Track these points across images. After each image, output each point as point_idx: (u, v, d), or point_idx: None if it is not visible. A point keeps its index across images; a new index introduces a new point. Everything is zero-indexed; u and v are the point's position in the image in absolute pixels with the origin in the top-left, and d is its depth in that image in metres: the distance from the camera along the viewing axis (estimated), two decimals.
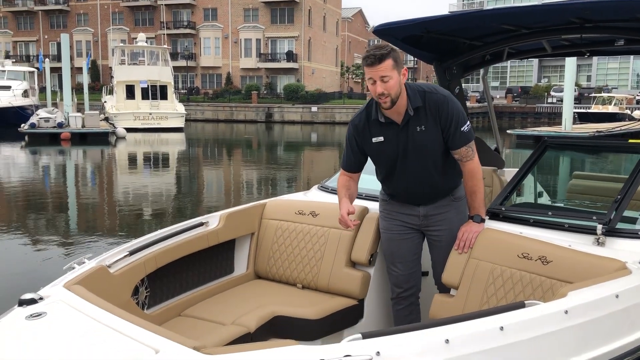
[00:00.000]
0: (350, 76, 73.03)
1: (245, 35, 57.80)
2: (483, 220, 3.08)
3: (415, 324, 1.91)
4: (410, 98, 3.00)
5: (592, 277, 2.50)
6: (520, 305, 2.13)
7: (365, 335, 1.80)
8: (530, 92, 55.27)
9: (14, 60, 51.95)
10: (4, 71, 39.36)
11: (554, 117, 43.05)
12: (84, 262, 2.71)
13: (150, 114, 35.53)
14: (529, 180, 5.26)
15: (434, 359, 1.76)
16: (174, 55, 56.40)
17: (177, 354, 1.75)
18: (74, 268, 2.66)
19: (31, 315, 2.14)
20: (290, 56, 56.38)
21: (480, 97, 52.75)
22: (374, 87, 2.92)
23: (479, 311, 2.08)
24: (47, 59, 44.80)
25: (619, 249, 2.79)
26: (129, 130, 31.36)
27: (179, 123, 35.80)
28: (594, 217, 2.94)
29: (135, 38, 42.69)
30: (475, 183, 3.11)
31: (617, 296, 2.27)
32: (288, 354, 1.72)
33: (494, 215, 3.24)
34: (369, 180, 3.96)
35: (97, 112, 31.19)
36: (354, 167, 3.25)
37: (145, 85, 36.88)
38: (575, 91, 37.15)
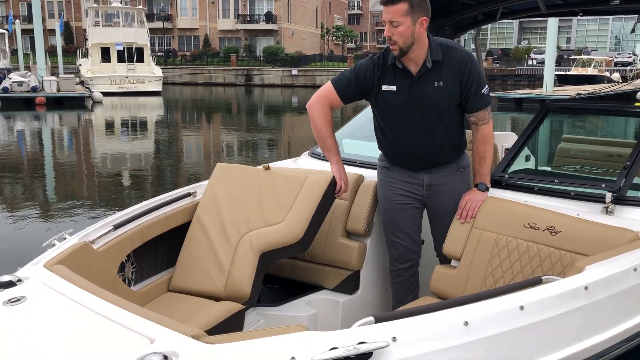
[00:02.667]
0: (330, 38, 72.00)
1: None
2: (487, 189, 2.96)
3: (430, 304, 1.80)
4: (431, 50, 2.83)
5: (604, 248, 2.42)
6: (538, 281, 2.03)
7: (378, 319, 1.69)
8: (510, 54, 55.13)
9: None
10: None
11: (534, 79, 43.10)
12: (65, 238, 2.53)
13: (127, 77, 34.74)
14: (534, 145, 5.16)
15: (454, 343, 1.66)
16: (150, 17, 54.87)
17: (175, 344, 1.60)
18: (54, 245, 2.48)
19: (9, 300, 1.97)
20: (270, 17, 55.25)
21: None
22: (385, 28, 2.77)
23: (495, 289, 1.98)
24: (17, 20, 43.26)
25: (629, 217, 2.71)
26: (105, 94, 30.65)
27: (156, 87, 35.10)
28: (603, 185, 2.85)
29: None
30: (487, 148, 2.99)
31: (635, 269, 2.19)
32: (296, 341, 1.60)
33: (496, 183, 3.13)
34: (365, 146, 3.82)
35: (72, 75, 30.34)
36: (346, 92, 2.96)
37: (120, 48, 35.95)
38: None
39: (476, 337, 1.71)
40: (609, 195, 2.76)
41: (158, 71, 36.71)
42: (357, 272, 3.30)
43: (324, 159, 3.88)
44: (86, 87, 30.36)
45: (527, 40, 66.56)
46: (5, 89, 26.48)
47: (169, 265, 3.02)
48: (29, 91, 26.48)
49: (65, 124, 22.25)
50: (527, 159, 5.26)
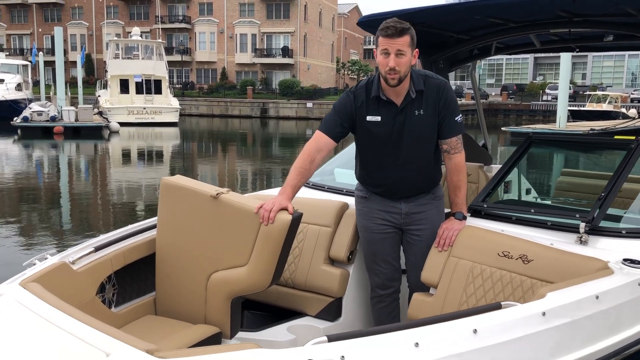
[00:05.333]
0: (346, 72, 72.85)
1: (241, 30, 57.54)
2: (465, 218, 3.02)
3: (384, 326, 1.84)
4: (413, 81, 2.95)
5: (573, 277, 2.45)
6: (497, 306, 2.07)
7: (332, 338, 1.73)
8: (525, 89, 55.27)
9: (8, 53, 51.63)
10: None
11: (549, 114, 43.04)
12: (46, 258, 2.61)
13: (144, 108, 35.36)
14: (517, 177, 5.20)
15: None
16: (169, 50, 56.16)
17: (129, 358, 1.66)
18: (34, 264, 2.56)
19: None
20: (286, 51, 56.18)
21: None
22: (386, 59, 2.82)
23: (452, 312, 2.01)
24: (40, 53, 44.44)
25: (602, 248, 2.73)
26: (123, 124, 31.20)
27: (173, 118, 35.64)
28: (577, 215, 2.89)
29: (130, 32, 42.42)
30: (461, 178, 3.05)
31: (597, 297, 2.22)
32: (247, 358, 1.64)
33: (476, 213, 3.18)
34: (350, 175, 3.88)
35: (91, 105, 30.97)
36: (337, 130, 2.98)
37: (139, 80, 36.69)
38: (570, 89, 37.10)
39: (426, 358, 1.74)
40: (582, 226, 2.80)
41: (175, 103, 37.33)
42: (340, 299, 3.33)
43: (313, 187, 3.96)
44: (104, 118, 30.95)
45: (542, 76, 66.75)
46: (25, 118, 27.10)
47: (150, 290, 3.07)
48: (48, 120, 27.05)
49: (81, 152, 22.64)
50: (528, 192, 5.28)
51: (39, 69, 43.24)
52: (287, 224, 2.66)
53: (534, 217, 3.03)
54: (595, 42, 4.64)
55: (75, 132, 26.66)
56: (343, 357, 1.64)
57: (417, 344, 1.74)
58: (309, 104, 46.30)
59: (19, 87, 37.80)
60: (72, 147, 23.67)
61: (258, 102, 47.62)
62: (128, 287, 3.00)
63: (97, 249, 2.76)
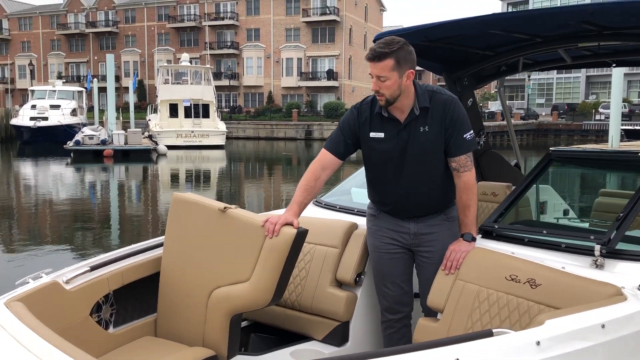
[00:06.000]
0: None
1: (287, 54, 58.40)
2: (474, 239, 2.87)
3: (362, 352, 1.72)
4: (418, 97, 2.85)
5: (582, 302, 2.27)
6: (488, 333, 1.92)
7: None
8: (577, 109, 53.71)
9: (65, 80, 53.93)
10: (54, 91, 40.89)
11: (602, 134, 41.60)
12: (41, 277, 2.61)
13: (192, 131, 36.14)
14: (553, 197, 4.95)
15: None
16: (218, 75, 57.48)
17: None
18: (28, 283, 2.55)
19: None
20: (331, 74, 56.57)
21: (524, 114, 51.62)
22: (372, 82, 2.80)
23: (438, 340, 1.88)
24: (95, 79, 46.27)
25: (619, 272, 2.54)
26: (171, 147, 31.96)
27: (220, 141, 36.27)
28: (592, 237, 2.70)
29: (180, 58, 43.70)
30: (470, 197, 2.91)
31: (603, 326, 2.03)
32: None
33: (487, 234, 3.02)
34: (363, 194, 3.79)
35: (140, 129, 31.87)
36: (340, 149, 2.95)
37: (188, 104, 37.59)
38: (624, 107, 35.74)
39: None
40: (597, 248, 2.61)
41: (222, 126, 38.03)
42: (347, 323, 3.22)
43: (326, 207, 3.87)
44: (153, 141, 31.79)
45: (595, 95, 64.76)
46: (77, 142, 28.12)
47: (151, 310, 3.03)
48: (98, 144, 27.98)
49: (129, 175, 23.26)
50: (566, 213, 5.04)
51: (92, 95, 44.93)
52: (292, 237, 2.62)
53: (547, 239, 2.85)
54: (633, 56, 4.41)
55: (124, 155, 27.46)
56: None
57: None
58: None
59: (74, 112, 39.38)
60: (121, 170, 24.35)
61: (303, 124, 47.96)
62: (130, 307, 2.96)
63: (93, 268, 2.75)
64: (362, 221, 3.39)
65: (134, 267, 2.91)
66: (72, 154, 27.91)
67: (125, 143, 28.18)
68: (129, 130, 29.85)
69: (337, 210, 3.82)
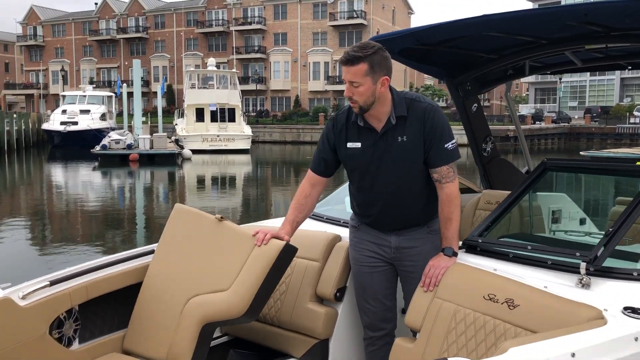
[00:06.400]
0: None
1: (314, 58, 58.41)
2: (455, 254, 2.67)
3: None
4: (395, 105, 2.69)
5: (559, 326, 2.07)
6: None
7: None
8: (610, 112, 52.34)
9: (95, 85, 54.89)
10: (84, 96, 41.69)
11: (637, 137, 40.54)
12: None
13: (218, 135, 36.31)
14: (569, 205, 4.68)
15: None
16: (245, 79, 57.79)
17: None
18: None
19: None
20: None
21: (556, 117, 50.56)
22: (345, 87, 2.67)
23: None
24: (125, 84, 46.99)
25: (606, 292, 2.32)
26: (197, 151, 32.16)
27: (245, 145, 36.37)
28: (577, 254, 2.48)
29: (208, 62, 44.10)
30: (452, 210, 2.73)
31: (573, 355, 1.83)
32: None
33: (470, 248, 2.82)
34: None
35: (165, 134, 32.15)
36: (321, 167, 2.89)
37: (214, 108, 37.81)
38: None
39: None
40: (583, 266, 2.39)
41: (248, 130, 38.15)
42: (326, 340, 3.05)
43: (313, 217, 3.70)
44: (179, 145, 32.03)
45: (629, 97, 63.07)
46: (104, 147, 28.48)
47: (121, 325, 2.92)
48: (124, 148, 28.29)
49: (153, 179, 23.47)
50: (582, 222, 4.77)
51: (121, 100, 45.63)
52: (279, 248, 2.63)
53: (533, 255, 2.64)
54: None
55: (149, 160, 27.69)
56: None
57: None
58: None
59: (103, 117, 40.04)
60: (145, 174, 24.57)
61: None
62: (98, 321, 2.86)
63: (53, 283, 2.64)
64: (347, 233, 3.23)
65: (101, 281, 2.80)
66: (99, 158, 28.29)
67: (151, 147, 28.43)
68: (154, 134, 30.12)
69: (323, 221, 3.66)
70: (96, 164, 27.49)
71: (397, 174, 2.74)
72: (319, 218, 3.72)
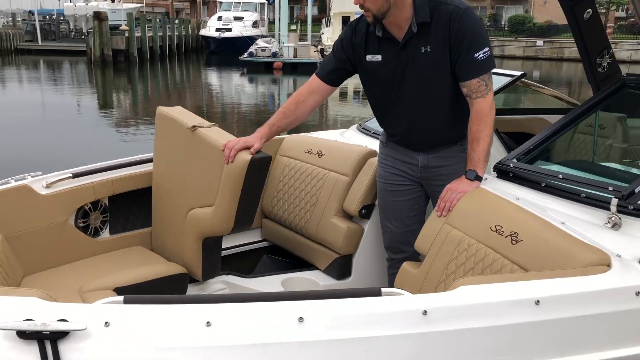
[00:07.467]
0: None
1: None
2: (478, 178, 2.43)
3: (184, 295, 1.56)
4: (416, 11, 2.43)
5: (558, 268, 1.83)
6: (376, 292, 1.61)
7: (127, 300, 1.52)
8: None
9: None
10: (238, 3, 42.89)
11: None
12: (25, 179, 2.68)
13: None
14: (594, 131, 3.96)
15: (191, 343, 1.43)
16: None
17: None
18: (9, 183, 2.65)
19: None
20: None
21: None
22: None
23: (329, 290, 1.62)
24: None
25: (635, 235, 1.99)
26: None
27: None
28: (610, 188, 2.13)
29: None
30: (482, 128, 2.44)
31: (537, 302, 1.60)
32: (24, 304, 1.51)
33: (502, 173, 2.54)
34: None
35: (309, 43, 32.30)
36: (328, 75, 2.65)
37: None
38: None
39: (217, 342, 1.44)
40: (614, 202, 2.06)
41: None
42: (349, 256, 3.01)
43: (373, 134, 3.55)
44: (324, 55, 32.11)
45: None
46: (250, 54, 29.47)
47: (146, 224, 3.05)
48: (269, 56, 29.04)
49: (297, 87, 24.03)
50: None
51: (274, 7, 46.34)
52: (245, 165, 2.44)
53: (566, 186, 2.31)
54: None
55: (292, 68, 28.22)
56: (107, 322, 1.43)
57: (208, 322, 1.45)
58: (539, 42, 42.28)
59: (255, 24, 41.12)
60: (289, 82, 25.20)
61: None
62: (124, 217, 3.02)
63: (75, 175, 2.82)
64: None
65: (127, 178, 2.95)
66: (247, 65, 29.43)
67: (294, 56, 28.87)
68: (298, 43, 30.42)
69: (370, 135, 3.51)
70: (244, 70, 28.65)
71: (423, 89, 2.52)
72: (366, 131, 3.58)
